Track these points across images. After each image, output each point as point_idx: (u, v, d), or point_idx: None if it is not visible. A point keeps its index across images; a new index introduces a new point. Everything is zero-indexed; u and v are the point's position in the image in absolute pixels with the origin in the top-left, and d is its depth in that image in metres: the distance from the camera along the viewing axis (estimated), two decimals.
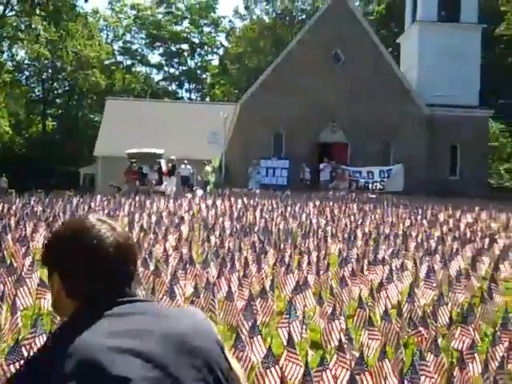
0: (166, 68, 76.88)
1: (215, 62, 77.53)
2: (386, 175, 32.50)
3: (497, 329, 7.05)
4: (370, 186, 32.14)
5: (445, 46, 35.08)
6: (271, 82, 34.55)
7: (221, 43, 77.52)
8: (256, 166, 32.74)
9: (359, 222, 16.32)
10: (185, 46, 75.33)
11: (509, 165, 47.39)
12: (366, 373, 5.53)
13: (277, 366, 5.53)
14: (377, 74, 34.37)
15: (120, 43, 75.12)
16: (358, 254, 10.89)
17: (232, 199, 21.26)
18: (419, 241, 13.22)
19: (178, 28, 75.16)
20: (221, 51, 76.81)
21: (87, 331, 1.77)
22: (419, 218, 18.10)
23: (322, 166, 32.72)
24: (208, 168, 32.61)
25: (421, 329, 7.00)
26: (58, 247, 1.97)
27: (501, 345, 6.57)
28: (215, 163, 38.30)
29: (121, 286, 1.95)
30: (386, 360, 5.92)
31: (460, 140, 35.30)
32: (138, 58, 75.48)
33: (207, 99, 71.92)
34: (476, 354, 6.25)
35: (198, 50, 76.06)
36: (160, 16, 74.68)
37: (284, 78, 34.10)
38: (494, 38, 45.69)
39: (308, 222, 16.15)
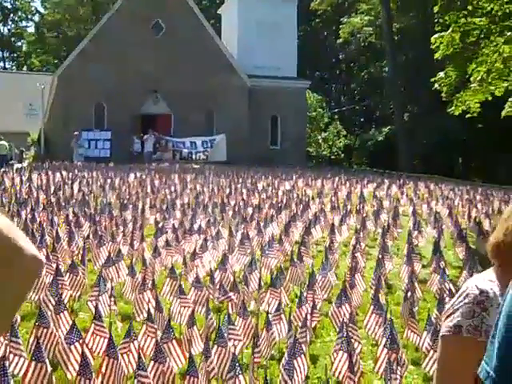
0: None
1: (31, 30, 73.45)
2: (209, 145, 32.81)
3: (303, 290, 7.33)
4: (194, 156, 32.32)
5: (263, 18, 35.78)
6: (90, 52, 33.35)
7: (36, 9, 73.54)
8: (78, 138, 31.65)
9: (179, 193, 16.34)
10: None
11: (326, 134, 49.71)
12: (174, 341, 5.53)
13: (81, 341, 5.38)
14: (198, 44, 34.31)
15: None
16: (174, 224, 10.87)
17: (50, 173, 20.40)
18: (236, 209, 13.47)
19: None
20: (37, 18, 72.77)
21: None
22: (239, 186, 18.45)
23: (145, 137, 32.40)
24: (3, 142, 30.23)
25: (230, 294, 7.13)
26: None
27: (307, 304, 6.85)
28: (34, 136, 36.72)
29: None
30: (195, 327, 5.98)
31: (280, 110, 36.37)
32: None
33: (24, 69, 68.13)
34: (282, 315, 6.46)
35: (11, 15, 71.36)
36: None
37: (104, 47, 33.07)
38: (310, 12, 47.43)
39: (127, 193, 15.92)
